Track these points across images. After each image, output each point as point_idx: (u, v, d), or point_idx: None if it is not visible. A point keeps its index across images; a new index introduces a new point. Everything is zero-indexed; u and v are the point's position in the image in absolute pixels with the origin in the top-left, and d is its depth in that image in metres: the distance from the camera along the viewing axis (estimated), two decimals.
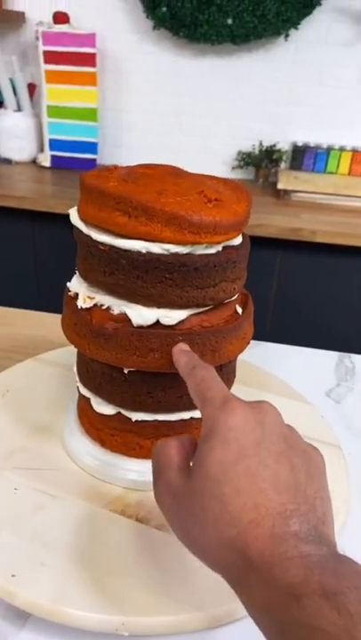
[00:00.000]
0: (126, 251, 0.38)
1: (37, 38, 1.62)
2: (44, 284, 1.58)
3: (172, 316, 0.40)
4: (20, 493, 0.44)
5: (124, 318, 0.41)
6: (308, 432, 0.55)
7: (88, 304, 0.42)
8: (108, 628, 0.35)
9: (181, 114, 1.80)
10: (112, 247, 0.39)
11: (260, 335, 0.70)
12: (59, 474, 0.47)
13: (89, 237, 0.40)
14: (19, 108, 1.75)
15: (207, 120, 1.80)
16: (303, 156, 1.75)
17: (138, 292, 0.40)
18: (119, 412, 0.46)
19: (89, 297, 0.42)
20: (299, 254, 1.43)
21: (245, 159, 1.78)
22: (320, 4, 1.57)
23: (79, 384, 0.49)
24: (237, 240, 0.42)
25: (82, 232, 0.41)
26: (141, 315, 0.40)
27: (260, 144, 1.76)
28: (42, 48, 1.62)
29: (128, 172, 0.41)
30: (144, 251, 0.38)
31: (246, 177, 1.83)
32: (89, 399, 0.47)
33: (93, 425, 0.49)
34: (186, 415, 0.46)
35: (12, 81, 1.71)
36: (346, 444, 0.55)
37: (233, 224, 0.40)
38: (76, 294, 0.44)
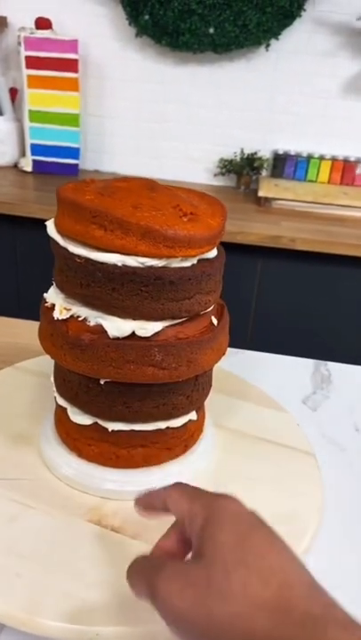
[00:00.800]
0: (102, 263, 0.39)
1: (19, 43, 1.62)
2: (24, 290, 1.57)
3: (147, 328, 0.41)
4: None
5: (101, 330, 0.41)
6: (284, 440, 0.56)
7: (64, 315, 0.43)
8: (83, 639, 0.35)
9: (164, 120, 1.81)
10: (88, 260, 0.39)
11: (241, 342, 0.71)
12: (35, 484, 0.47)
13: (65, 250, 0.40)
14: (0, 113, 1.75)
15: (189, 127, 1.81)
16: (284, 164, 1.77)
17: (114, 304, 0.40)
18: (96, 422, 0.46)
19: (65, 308, 0.43)
20: (279, 261, 1.45)
21: (227, 166, 1.79)
22: (300, 16, 1.59)
23: (56, 394, 0.49)
24: (212, 253, 0.43)
25: (59, 244, 0.41)
26: (117, 326, 0.41)
27: (242, 151, 1.77)
28: (24, 53, 1.62)
29: (104, 185, 0.42)
30: (120, 264, 0.38)
31: (228, 184, 1.85)
32: (65, 409, 0.47)
33: (70, 435, 0.49)
34: (162, 425, 0.46)
35: None
36: (321, 451, 0.56)
37: (207, 238, 0.40)
38: (53, 305, 0.44)
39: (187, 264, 0.40)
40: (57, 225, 0.42)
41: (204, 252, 0.41)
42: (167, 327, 0.42)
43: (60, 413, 0.49)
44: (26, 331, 0.75)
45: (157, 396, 0.45)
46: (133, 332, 0.41)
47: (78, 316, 0.42)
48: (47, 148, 1.75)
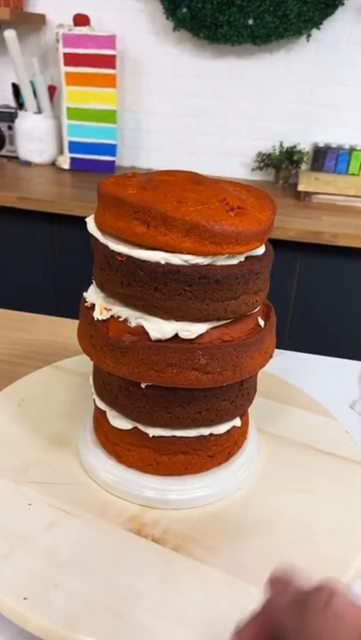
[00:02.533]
0: (144, 261, 0.37)
1: (58, 40, 1.62)
2: (62, 287, 1.58)
3: (191, 330, 0.39)
4: (34, 509, 0.43)
5: (142, 331, 0.40)
6: (332, 449, 0.53)
7: (105, 315, 0.41)
8: None
9: (201, 115, 1.78)
10: (130, 258, 0.38)
11: (280, 342, 0.68)
12: (74, 489, 0.46)
13: (106, 247, 0.39)
14: (39, 111, 1.76)
15: (226, 121, 1.78)
16: (325, 158, 1.72)
17: (156, 304, 0.38)
18: (136, 427, 0.44)
19: (106, 308, 0.41)
20: (319, 258, 1.40)
21: (265, 160, 1.75)
22: (343, 4, 1.54)
23: (95, 396, 0.47)
24: (260, 250, 0.41)
25: (99, 241, 0.40)
26: (159, 328, 0.39)
27: (281, 145, 1.73)
28: (62, 50, 1.62)
29: (147, 179, 0.40)
30: (163, 262, 0.37)
31: (266, 178, 1.81)
32: (105, 412, 0.46)
33: (109, 439, 0.47)
34: (205, 431, 0.44)
35: (32, 83, 1.71)
36: None
37: (256, 234, 0.38)
38: (93, 305, 0.43)
39: (234, 262, 0.38)
40: (97, 221, 0.41)
41: (252, 248, 0.39)
42: (212, 329, 0.40)
43: (100, 416, 0.48)
44: (65, 329, 0.74)
45: (201, 402, 0.43)
46: (176, 334, 0.39)
47: (119, 317, 0.41)
48: (85, 145, 1.75)
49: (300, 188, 1.58)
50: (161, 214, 0.36)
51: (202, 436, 0.45)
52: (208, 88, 1.75)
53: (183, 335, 0.39)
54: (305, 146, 1.75)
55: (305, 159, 1.73)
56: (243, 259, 0.39)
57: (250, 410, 0.51)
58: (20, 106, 1.77)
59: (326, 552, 0.41)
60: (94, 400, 0.48)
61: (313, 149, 1.74)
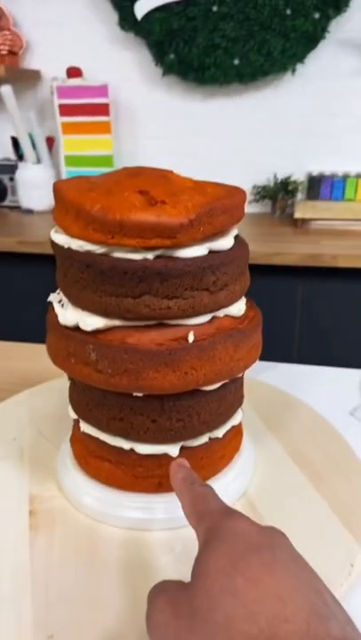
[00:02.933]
0: (56, 245, 0.38)
1: (52, 93, 1.69)
2: None
3: (86, 322, 0.37)
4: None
5: None
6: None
7: (55, 299, 0.42)
8: None
9: (195, 154, 1.82)
10: (52, 242, 0.39)
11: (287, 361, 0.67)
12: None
13: None
14: (38, 161, 1.81)
15: (221, 158, 1.81)
16: (320, 186, 1.74)
17: (66, 290, 0.39)
18: (78, 419, 0.44)
19: (58, 293, 0.42)
20: (321, 280, 1.39)
21: (261, 192, 1.77)
22: (324, 38, 1.59)
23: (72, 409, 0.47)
24: (183, 252, 0.35)
25: None
26: (64, 314, 0.39)
27: (275, 176, 1.76)
28: (57, 102, 1.69)
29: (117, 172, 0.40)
30: (66, 245, 0.37)
31: (263, 210, 1.82)
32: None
33: (72, 428, 0.48)
34: (125, 445, 0.41)
35: (30, 135, 1.77)
36: None
37: (152, 228, 0.33)
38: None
39: (134, 256, 0.35)
40: None
41: (154, 245, 0.34)
42: (119, 327, 0.37)
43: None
44: None
45: (113, 407, 0.40)
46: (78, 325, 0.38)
47: (60, 301, 0.41)
48: None
49: (297, 215, 1.58)
50: (61, 198, 0.36)
51: (122, 449, 0.41)
52: (201, 128, 1.80)
53: (80, 325, 0.38)
54: (299, 176, 1.77)
55: (300, 188, 1.75)
56: (150, 256, 0.35)
57: (244, 425, 0.49)
58: (20, 157, 1.83)
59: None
60: None
61: (307, 179, 1.76)
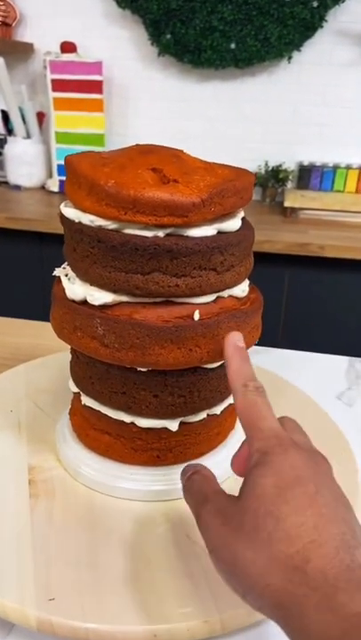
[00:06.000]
0: (67, 219, 0.38)
1: (45, 67, 1.66)
2: (50, 302, 1.57)
3: (94, 296, 0.38)
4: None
5: None
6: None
7: (60, 273, 0.42)
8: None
9: (187, 138, 1.82)
10: (62, 215, 0.39)
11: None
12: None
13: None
14: (28, 136, 1.79)
15: (213, 143, 1.81)
16: (310, 176, 1.75)
17: (74, 264, 0.39)
18: (79, 392, 0.45)
19: (64, 267, 0.43)
20: (307, 269, 1.41)
21: None
22: (322, 27, 1.59)
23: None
24: (194, 231, 0.36)
25: None
26: (72, 288, 0.39)
27: (266, 164, 1.76)
28: (50, 76, 1.66)
29: (129, 148, 0.41)
30: (76, 220, 0.37)
31: (253, 197, 1.83)
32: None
33: (71, 401, 0.49)
34: (126, 418, 0.42)
35: (21, 110, 1.74)
36: (358, 447, 0.52)
37: (165, 206, 0.34)
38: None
39: (145, 233, 0.35)
40: None
41: (166, 223, 0.35)
42: (126, 303, 0.38)
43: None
44: (49, 333, 0.73)
45: (116, 381, 0.40)
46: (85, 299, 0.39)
47: (68, 276, 0.42)
48: None
49: (287, 204, 1.60)
50: (75, 171, 0.36)
51: (123, 423, 0.42)
52: (194, 111, 1.79)
53: (88, 299, 0.38)
54: (290, 165, 1.78)
55: (290, 177, 1.76)
56: (161, 233, 0.35)
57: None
58: (9, 132, 1.80)
59: None
60: None
61: (298, 168, 1.78)
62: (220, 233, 0.38)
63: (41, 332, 0.74)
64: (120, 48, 1.74)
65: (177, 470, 0.42)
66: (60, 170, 1.78)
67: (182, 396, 0.41)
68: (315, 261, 1.38)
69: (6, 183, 1.85)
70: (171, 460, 0.44)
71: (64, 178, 1.66)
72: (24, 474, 0.45)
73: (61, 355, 0.63)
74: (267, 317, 0.45)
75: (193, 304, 0.38)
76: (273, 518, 0.26)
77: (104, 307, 0.38)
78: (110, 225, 0.36)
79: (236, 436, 0.49)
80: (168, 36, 1.64)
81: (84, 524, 0.40)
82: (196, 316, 0.38)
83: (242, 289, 0.41)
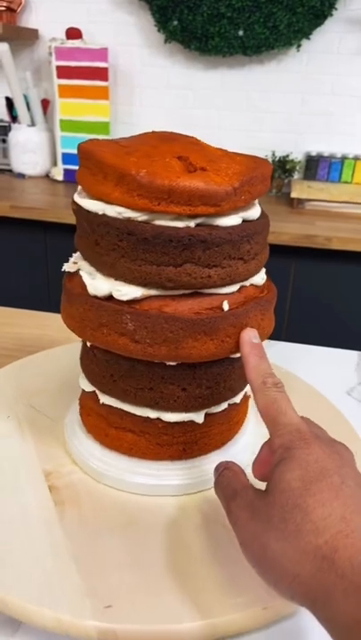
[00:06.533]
0: (87, 212, 0.36)
1: (50, 54, 1.64)
2: (54, 291, 1.56)
3: (122, 291, 0.36)
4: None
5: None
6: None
7: (72, 269, 0.40)
8: None
9: (193, 126, 1.80)
10: (79, 207, 0.37)
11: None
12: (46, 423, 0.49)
13: (73, 199, 0.40)
14: (32, 123, 1.77)
15: (219, 132, 1.79)
16: (317, 166, 1.73)
17: (96, 259, 0.37)
18: (94, 391, 0.43)
19: (74, 262, 0.41)
20: (313, 261, 1.40)
21: None
22: (331, 15, 1.56)
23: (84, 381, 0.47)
24: (224, 220, 0.36)
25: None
26: (95, 284, 0.37)
27: (273, 154, 1.74)
28: (55, 63, 1.64)
29: (134, 135, 0.39)
30: (100, 212, 0.35)
31: None
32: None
33: (80, 400, 0.48)
34: (151, 414, 0.41)
35: (25, 96, 1.72)
36: None
37: (200, 195, 0.33)
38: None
39: (177, 224, 0.34)
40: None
41: (200, 212, 0.34)
42: (154, 297, 0.36)
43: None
44: (54, 323, 0.72)
45: (143, 377, 0.39)
46: (112, 294, 0.37)
47: (83, 271, 0.40)
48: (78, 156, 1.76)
49: (294, 195, 1.58)
50: (98, 161, 0.34)
51: (149, 419, 0.41)
52: (200, 99, 1.77)
53: (115, 295, 0.37)
54: (297, 155, 1.76)
55: (298, 168, 1.74)
56: (192, 224, 0.34)
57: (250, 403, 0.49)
58: (14, 119, 1.78)
59: None
60: None
61: (305, 158, 1.75)
62: (244, 221, 0.37)
63: (45, 322, 0.73)
64: (126, 34, 1.72)
65: (203, 462, 0.44)
66: (66, 158, 1.76)
67: (209, 388, 0.41)
68: (321, 253, 1.37)
69: (10, 171, 1.84)
70: (196, 453, 0.44)
71: (69, 166, 1.63)
72: (41, 481, 0.42)
73: (51, 351, 0.62)
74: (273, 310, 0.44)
75: (220, 294, 0.38)
76: (300, 511, 0.26)
77: (132, 302, 0.37)
78: (140, 216, 0.34)
79: (250, 425, 0.49)
80: (175, 23, 1.61)
81: (118, 525, 0.39)
82: (226, 307, 0.37)
83: (261, 277, 0.41)
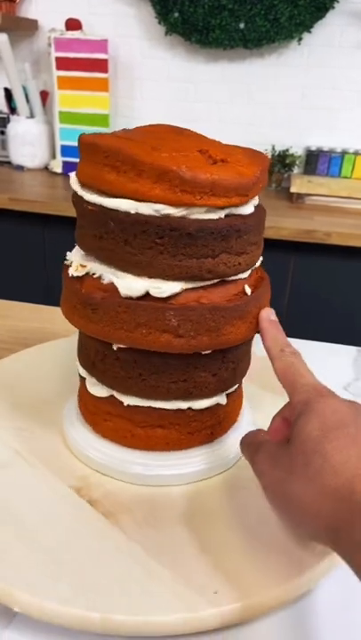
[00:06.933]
0: (114, 211, 0.35)
1: (50, 45, 1.63)
2: (53, 284, 1.56)
3: (162, 288, 0.36)
4: None
5: (114, 288, 0.38)
6: None
7: (80, 272, 0.39)
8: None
9: (193, 120, 1.79)
10: (101, 207, 0.36)
11: None
12: (43, 444, 0.46)
13: (81, 198, 0.38)
14: (31, 115, 1.76)
15: (219, 125, 1.78)
16: (317, 161, 1.73)
17: (127, 258, 0.36)
18: (112, 395, 0.42)
19: (81, 265, 0.39)
20: (313, 256, 1.40)
21: None
22: (333, 8, 1.55)
23: (78, 364, 0.46)
24: (245, 209, 0.38)
25: (76, 194, 0.38)
26: (129, 285, 0.36)
27: (273, 149, 1.73)
28: (54, 54, 1.63)
29: (132, 130, 0.39)
30: (133, 211, 0.35)
31: None
32: (85, 380, 0.45)
33: (88, 408, 0.45)
34: (183, 405, 0.41)
35: (24, 88, 1.71)
36: None
37: (236, 186, 0.35)
38: (72, 263, 0.41)
39: (212, 216, 0.35)
40: (77, 174, 0.39)
41: (233, 203, 0.36)
42: (188, 290, 0.37)
43: (81, 385, 0.46)
44: (53, 316, 0.72)
45: (177, 371, 0.40)
46: (148, 293, 0.37)
47: (94, 274, 0.39)
48: (77, 149, 1.74)
49: (293, 189, 1.57)
50: (130, 158, 0.34)
51: (180, 410, 0.42)
52: (201, 92, 1.76)
53: (154, 293, 0.36)
54: (297, 149, 1.75)
55: (297, 162, 1.73)
56: (223, 215, 0.36)
57: (245, 392, 0.50)
58: (13, 110, 1.77)
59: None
60: (78, 369, 0.46)
61: (305, 153, 1.75)
62: (255, 209, 0.39)
63: (44, 315, 0.73)
64: (126, 26, 1.71)
65: (227, 440, 0.46)
66: (65, 150, 1.76)
67: (233, 369, 0.43)
68: (320, 248, 1.37)
69: (9, 163, 1.83)
70: (220, 433, 0.46)
71: (68, 159, 1.62)
72: (76, 499, 0.41)
73: (15, 357, 0.60)
74: (271, 305, 0.44)
75: (241, 280, 0.40)
76: (320, 456, 0.29)
77: (169, 297, 0.37)
78: (179, 212, 0.34)
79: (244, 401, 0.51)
80: (176, 15, 1.60)
81: (173, 520, 0.40)
82: (248, 291, 0.40)
83: (260, 260, 0.43)
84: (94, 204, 0.36)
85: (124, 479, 0.43)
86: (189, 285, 0.37)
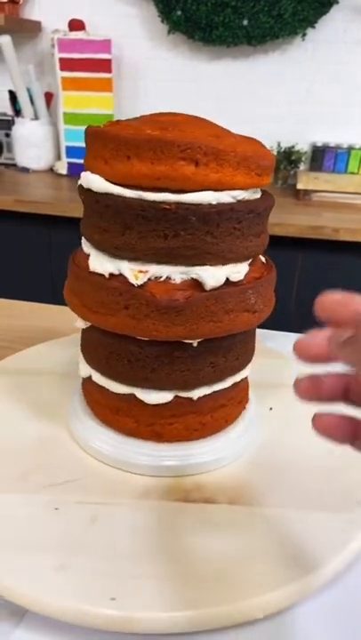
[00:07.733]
0: (196, 205, 0.34)
1: (53, 46, 1.63)
2: (59, 285, 1.56)
3: (240, 271, 0.38)
4: (64, 512, 0.38)
5: (191, 284, 0.37)
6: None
7: (142, 279, 0.36)
8: None
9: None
10: (179, 204, 0.34)
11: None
12: (92, 480, 0.42)
13: (139, 201, 0.34)
14: (35, 117, 1.76)
15: (224, 123, 1.76)
16: (323, 157, 1.71)
17: (208, 249, 0.36)
18: (176, 396, 0.41)
19: (141, 271, 0.36)
20: (321, 254, 1.38)
21: None
22: (337, 3, 1.54)
23: (115, 385, 0.42)
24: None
25: (124, 198, 0.35)
26: (213, 275, 0.36)
27: (279, 145, 1.72)
28: (57, 55, 1.62)
29: (148, 120, 0.38)
30: (215, 202, 0.35)
31: None
32: (133, 395, 0.42)
33: (142, 422, 0.43)
34: (238, 377, 0.44)
35: (28, 90, 1.71)
36: None
37: (271, 166, 0.39)
38: (111, 276, 0.38)
39: (257, 195, 0.38)
40: (113, 176, 0.36)
41: (266, 183, 0.39)
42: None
43: (124, 403, 0.43)
44: (61, 315, 0.72)
45: (239, 345, 0.42)
46: (227, 279, 0.38)
47: (158, 278, 0.36)
48: (82, 150, 1.74)
49: (300, 186, 1.56)
50: (212, 149, 0.34)
51: (235, 384, 0.44)
52: (205, 90, 1.75)
53: (234, 278, 0.38)
54: (303, 146, 1.74)
55: (303, 159, 1.72)
56: (260, 192, 0.39)
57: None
58: (17, 113, 1.77)
59: None
60: (108, 389, 0.43)
61: (311, 149, 1.74)
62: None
63: (51, 315, 0.72)
64: (129, 26, 1.70)
65: (236, 429, 0.46)
66: (70, 152, 1.75)
67: (237, 358, 0.44)
68: (329, 245, 1.35)
69: (14, 165, 1.83)
70: (236, 416, 0.47)
71: (73, 160, 1.61)
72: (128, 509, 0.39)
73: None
74: (278, 302, 0.44)
75: (257, 258, 0.42)
76: None
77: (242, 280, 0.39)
78: (250, 195, 0.37)
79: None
80: (178, 13, 1.60)
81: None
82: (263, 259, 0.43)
83: None
84: (170, 203, 0.34)
85: (133, 471, 0.42)
86: (248, 264, 0.40)
